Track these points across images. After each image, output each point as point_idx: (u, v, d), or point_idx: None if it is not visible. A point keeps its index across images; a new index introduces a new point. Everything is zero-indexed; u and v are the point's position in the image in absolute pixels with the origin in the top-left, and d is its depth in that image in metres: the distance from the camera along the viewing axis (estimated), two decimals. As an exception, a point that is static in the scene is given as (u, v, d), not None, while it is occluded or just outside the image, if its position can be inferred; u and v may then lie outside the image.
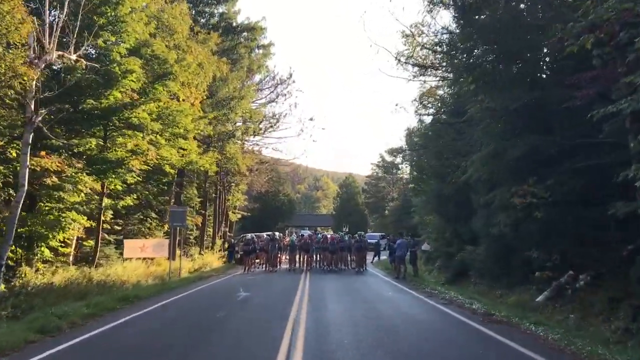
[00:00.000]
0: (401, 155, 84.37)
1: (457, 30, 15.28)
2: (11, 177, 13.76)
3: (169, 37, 20.08)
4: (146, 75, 18.93)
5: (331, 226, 67.95)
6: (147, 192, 27.24)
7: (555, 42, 9.66)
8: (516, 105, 13.17)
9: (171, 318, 10.29)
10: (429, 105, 22.27)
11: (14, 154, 13.57)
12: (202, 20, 28.11)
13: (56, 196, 14.73)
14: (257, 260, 26.07)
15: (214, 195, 35.76)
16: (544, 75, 15.00)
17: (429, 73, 23.54)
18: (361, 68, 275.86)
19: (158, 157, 18.78)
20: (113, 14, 16.23)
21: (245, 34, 30.33)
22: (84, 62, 14.59)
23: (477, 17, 13.75)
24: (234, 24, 30.01)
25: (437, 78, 21.68)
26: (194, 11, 27.29)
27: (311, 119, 40.39)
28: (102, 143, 16.14)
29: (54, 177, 14.24)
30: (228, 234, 40.75)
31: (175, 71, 18.65)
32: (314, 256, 25.30)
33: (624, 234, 11.42)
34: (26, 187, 12.45)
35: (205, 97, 27.70)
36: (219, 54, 25.56)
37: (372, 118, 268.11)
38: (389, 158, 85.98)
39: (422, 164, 26.27)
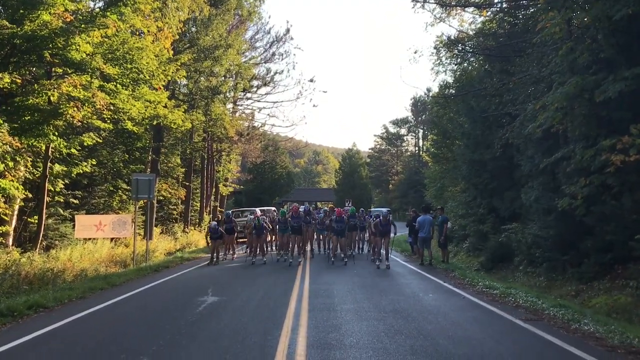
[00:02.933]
0: (407, 126, 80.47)
1: None
2: None
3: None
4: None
5: (333, 201, 63.77)
6: (117, 159, 22.94)
7: None
8: (622, 13, 8.73)
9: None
10: (464, 47, 17.60)
11: None
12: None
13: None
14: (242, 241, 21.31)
15: (200, 165, 31.40)
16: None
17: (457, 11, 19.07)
18: (361, 47, 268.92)
19: (112, 107, 14.34)
20: None
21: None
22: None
23: None
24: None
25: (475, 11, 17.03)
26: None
27: (311, 80, 35.78)
28: (14, 77, 11.62)
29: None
30: (219, 209, 36.55)
31: (134, -6, 14.05)
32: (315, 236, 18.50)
33: None
34: None
35: (184, 47, 23.21)
36: (199, -9, 20.86)
37: (375, 90, 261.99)
38: (393, 129, 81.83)
39: (445, 125, 21.88)
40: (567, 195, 11.19)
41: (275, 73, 31.56)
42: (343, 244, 15.65)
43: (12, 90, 12.91)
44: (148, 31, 15.31)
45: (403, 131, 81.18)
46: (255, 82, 30.77)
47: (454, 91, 22.25)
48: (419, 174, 55.99)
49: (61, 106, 12.58)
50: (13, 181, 13.86)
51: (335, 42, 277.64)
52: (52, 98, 12.49)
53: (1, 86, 11.23)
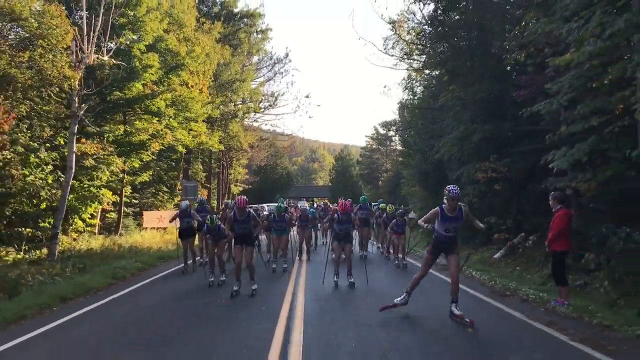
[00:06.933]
0: (394, 128, 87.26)
1: (431, 30, 17.77)
2: (58, 160, 16.32)
3: (178, 31, 22.34)
4: (162, 65, 21.39)
5: (327, 198, 70.78)
6: (160, 169, 29.90)
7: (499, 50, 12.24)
8: (480, 95, 15.79)
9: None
10: (417, 84, 24.85)
11: (62, 142, 16.16)
12: (204, 8, 30.27)
13: (92, 175, 17.32)
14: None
15: (217, 170, 38.39)
16: (507, 68, 17.57)
17: (411, 59, 26.06)
18: (353, 54, 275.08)
19: (174, 139, 21.32)
20: (132, 14, 18.59)
21: (245, 20, 32.54)
22: (113, 60, 16.96)
23: (444, 19, 16.30)
24: (235, 11, 32.18)
25: (420, 62, 24.10)
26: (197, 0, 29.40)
27: (307, 96, 42.69)
28: (125, 128, 18.66)
29: (90, 159, 16.83)
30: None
31: (187, 62, 21.04)
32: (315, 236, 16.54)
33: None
34: (73, 170, 15.01)
35: (211, 82, 30.16)
36: (221, 41, 27.82)
37: (366, 93, 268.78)
38: (382, 130, 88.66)
39: (408, 141, 29.01)
40: (467, 195, 18.32)
41: (278, 94, 38.60)
42: (349, 253, 10.96)
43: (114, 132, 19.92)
44: (196, 84, 22.28)
45: (391, 132, 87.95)
46: (261, 104, 37.79)
47: (416, 113, 29.51)
48: (402, 173, 62.84)
49: (147, 142, 19.56)
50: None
51: (331, 44, 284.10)
52: (142, 137, 19.43)
53: (117, 133, 18.18)
